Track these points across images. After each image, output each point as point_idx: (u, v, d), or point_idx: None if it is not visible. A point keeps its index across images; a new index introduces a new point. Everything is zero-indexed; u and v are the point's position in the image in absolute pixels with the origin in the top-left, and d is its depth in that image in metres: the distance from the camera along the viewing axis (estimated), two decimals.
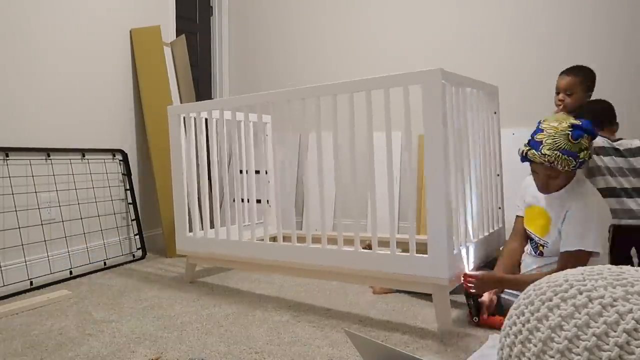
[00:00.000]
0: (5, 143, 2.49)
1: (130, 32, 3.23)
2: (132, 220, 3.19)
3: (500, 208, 2.32)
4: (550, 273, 1.83)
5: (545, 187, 1.78)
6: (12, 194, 2.50)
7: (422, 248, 2.05)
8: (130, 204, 3.18)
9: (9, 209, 2.49)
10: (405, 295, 2.25)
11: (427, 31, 3.47)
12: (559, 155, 1.66)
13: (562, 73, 2.30)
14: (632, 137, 2.23)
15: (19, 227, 2.53)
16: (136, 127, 3.28)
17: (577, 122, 1.70)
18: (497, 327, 1.79)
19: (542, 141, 1.70)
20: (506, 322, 0.49)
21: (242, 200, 2.97)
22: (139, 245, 3.18)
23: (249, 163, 2.44)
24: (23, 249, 2.53)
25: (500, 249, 2.25)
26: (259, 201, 3.42)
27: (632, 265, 2.19)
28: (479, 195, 2.07)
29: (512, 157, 2.81)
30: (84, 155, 2.91)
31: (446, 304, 1.77)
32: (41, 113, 2.67)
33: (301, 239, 2.76)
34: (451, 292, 1.85)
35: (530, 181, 1.95)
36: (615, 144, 2.12)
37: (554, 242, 1.80)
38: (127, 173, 3.17)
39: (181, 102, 3.46)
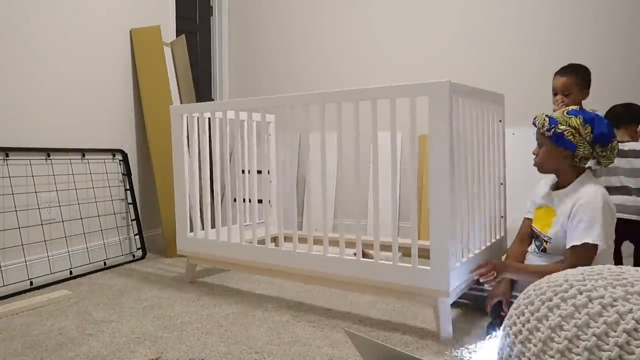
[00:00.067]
0: (5, 143, 2.49)
1: (130, 32, 3.23)
2: (132, 220, 3.19)
3: (502, 217, 2.31)
4: (556, 267, 1.81)
5: (535, 155, 1.88)
6: (12, 194, 2.50)
7: (424, 254, 2.05)
8: (130, 204, 3.18)
9: (9, 209, 2.49)
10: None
11: (428, 31, 3.47)
12: (543, 117, 1.79)
13: (557, 74, 2.29)
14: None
15: (19, 227, 2.53)
16: (136, 127, 3.28)
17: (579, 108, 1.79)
18: None
19: None
20: (506, 322, 0.49)
21: (244, 200, 2.97)
22: (139, 245, 3.18)
23: (251, 163, 2.44)
24: (23, 249, 2.54)
25: (503, 258, 2.24)
26: (260, 201, 3.42)
27: (621, 259, 2.21)
28: (482, 206, 2.07)
29: (513, 158, 2.80)
30: (84, 155, 2.91)
31: (447, 315, 1.76)
32: (41, 113, 2.67)
33: (302, 239, 2.76)
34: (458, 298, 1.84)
35: (542, 184, 1.98)
36: (622, 145, 2.11)
37: (556, 237, 1.81)
38: (127, 173, 3.17)
39: (181, 102, 3.46)
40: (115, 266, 2.91)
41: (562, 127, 1.73)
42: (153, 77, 3.24)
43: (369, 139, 3.53)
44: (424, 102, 3.23)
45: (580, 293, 0.44)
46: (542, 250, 1.90)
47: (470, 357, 1.59)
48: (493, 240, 2.18)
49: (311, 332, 1.83)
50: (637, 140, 2.19)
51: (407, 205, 3.47)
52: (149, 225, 3.36)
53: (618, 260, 2.14)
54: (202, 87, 4.11)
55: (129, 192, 3.18)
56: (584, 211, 1.72)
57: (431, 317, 1.95)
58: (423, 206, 3.36)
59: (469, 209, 1.93)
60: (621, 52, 2.94)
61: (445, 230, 1.71)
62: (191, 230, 3.00)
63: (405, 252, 2.42)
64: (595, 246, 1.69)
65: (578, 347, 0.41)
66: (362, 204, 3.61)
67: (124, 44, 3.20)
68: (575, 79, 2.23)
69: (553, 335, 0.43)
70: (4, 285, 2.40)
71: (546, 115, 1.79)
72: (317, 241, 2.63)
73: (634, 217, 2.09)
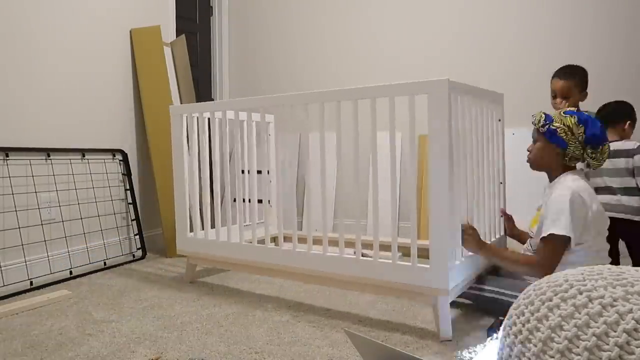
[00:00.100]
0: (5, 143, 2.49)
1: (130, 32, 3.23)
2: (132, 220, 3.19)
3: (502, 216, 2.31)
4: (528, 258, 1.85)
5: (529, 152, 1.92)
6: (12, 194, 2.50)
7: (423, 253, 2.05)
8: (130, 204, 3.18)
9: (9, 209, 2.49)
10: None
11: (428, 31, 3.47)
12: (540, 114, 1.82)
13: (556, 76, 2.29)
14: (632, 139, 2.23)
15: (19, 227, 2.53)
16: (136, 127, 3.28)
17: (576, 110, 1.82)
18: None
19: None
20: (506, 322, 0.49)
21: (243, 200, 2.97)
22: (139, 245, 3.18)
23: (251, 163, 2.44)
24: (23, 249, 2.53)
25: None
26: (260, 201, 3.42)
27: (619, 258, 2.22)
28: (482, 204, 2.07)
29: (513, 158, 2.80)
30: (84, 155, 2.91)
31: (447, 314, 1.76)
32: (41, 113, 2.67)
33: (302, 239, 2.76)
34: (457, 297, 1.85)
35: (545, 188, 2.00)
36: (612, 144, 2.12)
37: (538, 232, 1.83)
38: (127, 173, 3.17)
39: (181, 102, 3.46)
40: (115, 266, 2.91)
41: (556, 124, 1.76)
42: (153, 77, 3.24)
43: (369, 139, 3.53)
44: (424, 102, 3.22)
45: (580, 293, 0.44)
46: (532, 247, 1.93)
47: (471, 358, 1.59)
48: (493, 240, 2.18)
49: (311, 332, 1.83)
50: (626, 139, 2.20)
51: (407, 205, 3.47)
52: (149, 225, 3.36)
53: (614, 258, 2.14)
54: (202, 87, 4.11)
55: (129, 192, 3.18)
56: (552, 204, 1.75)
57: (431, 317, 1.95)
58: (423, 206, 3.36)
59: (468, 208, 1.93)
60: (621, 52, 2.94)
61: (444, 229, 1.71)
62: (191, 230, 3.00)
63: (405, 252, 2.42)
64: (562, 237, 1.69)
65: (578, 347, 0.41)
66: (362, 203, 3.61)
67: (124, 44, 3.20)
68: (574, 81, 2.24)
69: (553, 335, 0.43)
70: (4, 285, 2.40)
71: (543, 113, 1.82)
72: (317, 241, 2.63)
73: (620, 216, 2.12)
